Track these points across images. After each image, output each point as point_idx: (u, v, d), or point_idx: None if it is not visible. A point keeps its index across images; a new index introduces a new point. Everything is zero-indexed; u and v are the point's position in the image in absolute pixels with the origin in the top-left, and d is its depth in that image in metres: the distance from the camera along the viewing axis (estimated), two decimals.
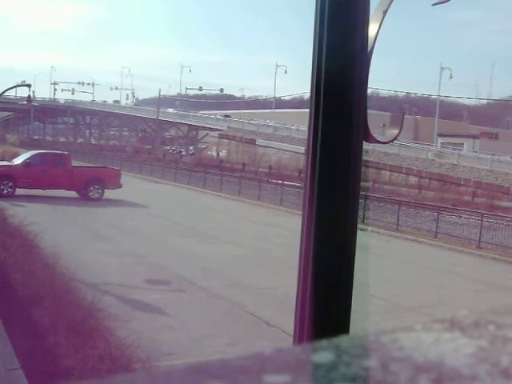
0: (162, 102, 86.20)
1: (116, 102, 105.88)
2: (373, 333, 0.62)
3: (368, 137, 1.58)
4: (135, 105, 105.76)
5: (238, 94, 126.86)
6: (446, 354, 0.57)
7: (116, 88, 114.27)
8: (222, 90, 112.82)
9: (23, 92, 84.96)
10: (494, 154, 50.10)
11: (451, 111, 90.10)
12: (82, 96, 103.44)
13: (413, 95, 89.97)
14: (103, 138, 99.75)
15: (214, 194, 36.91)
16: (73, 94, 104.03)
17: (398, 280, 15.60)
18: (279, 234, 21.02)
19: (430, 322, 0.64)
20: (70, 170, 29.73)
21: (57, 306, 9.19)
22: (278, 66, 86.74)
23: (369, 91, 1.66)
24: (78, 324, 8.61)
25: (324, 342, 0.58)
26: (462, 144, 63.99)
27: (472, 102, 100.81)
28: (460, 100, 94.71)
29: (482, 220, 23.94)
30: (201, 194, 37.16)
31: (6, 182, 27.97)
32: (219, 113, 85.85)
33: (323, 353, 0.56)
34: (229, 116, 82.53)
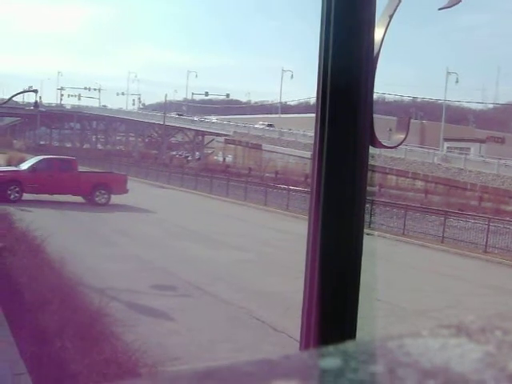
0: (168, 107, 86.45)
1: (142, 108, 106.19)
2: (379, 338, 0.62)
3: (374, 141, 1.58)
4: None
5: (244, 99, 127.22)
6: (453, 359, 0.57)
7: (122, 93, 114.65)
8: (228, 95, 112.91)
9: (30, 97, 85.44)
10: (500, 159, 49.91)
11: (457, 115, 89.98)
12: (89, 101, 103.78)
13: (419, 99, 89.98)
14: (109, 144, 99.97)
15: (221, 199, 36.92)
16: (79, 99, 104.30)
17: (404, 284, 15.55)
18: (286, 238, 21.00)
19: (436, 328, 0.64)
20: (76, 176, 29.79)
21: (63, 311, 9.20)
22: (285, 71, 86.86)
23: (375, 96, 1.66)
24: (85, 329, 8.62)
25: (331, 348, 0.58)
26: (469, 148, 63.76)
27: (478, 107, 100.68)
28: (466, 104, 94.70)
29: (488, 224, 23.88)
30: (207, 199, 37.19)
31: (12, 187, 28.02)
32: (174, 113, 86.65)
33: (330, 358, 0.56)
34: (182, 114, 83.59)
